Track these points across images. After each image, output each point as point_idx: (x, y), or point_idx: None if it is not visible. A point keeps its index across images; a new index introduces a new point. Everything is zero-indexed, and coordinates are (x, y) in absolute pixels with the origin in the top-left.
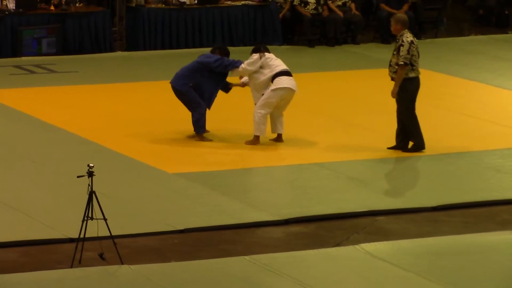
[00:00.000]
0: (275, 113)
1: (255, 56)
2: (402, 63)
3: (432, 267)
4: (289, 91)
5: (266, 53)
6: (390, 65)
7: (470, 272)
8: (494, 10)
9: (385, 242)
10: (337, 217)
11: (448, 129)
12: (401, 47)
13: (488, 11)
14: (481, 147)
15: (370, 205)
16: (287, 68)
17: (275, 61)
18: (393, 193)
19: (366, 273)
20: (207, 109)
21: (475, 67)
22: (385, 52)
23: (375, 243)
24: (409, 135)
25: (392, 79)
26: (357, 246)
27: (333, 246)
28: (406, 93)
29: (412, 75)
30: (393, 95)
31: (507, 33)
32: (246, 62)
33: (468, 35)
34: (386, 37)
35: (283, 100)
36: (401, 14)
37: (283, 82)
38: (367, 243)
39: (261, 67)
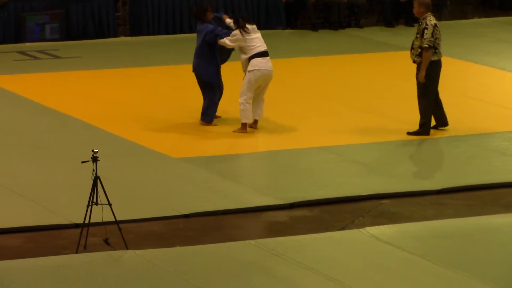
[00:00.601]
0: (256, 98)
1: (237, 33)
2: (426, 45)
3: (437, 250)
4: (265, 72)
5: (247, 29)
6: (412, 48)
7: (474, 254)
8: None
9: (390, 226)
10: (342, 201)
11: (452, 112)
12: (425, 30)
13: None
14: (485, 130)
15: (375, 189)
16: (265, 48)
17: (254, 41)
18: (397, 177)
19: (371, 256)
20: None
21: (479, 50)
22: (388, 35)
23: (380, 226)
24: (423, 116)
25: (414, 61)
26: (362, 230)
27: (338, 230)
28: (427, 76)
29: (434, 58)
30: (421, 78)
31: (510, 16)
32: (228, 38)
33: (471, 18)
34: (390, 20)
35: (261, 82)
36: None
37: (258, 64)
38: (372, 227)
39: (242, 46)
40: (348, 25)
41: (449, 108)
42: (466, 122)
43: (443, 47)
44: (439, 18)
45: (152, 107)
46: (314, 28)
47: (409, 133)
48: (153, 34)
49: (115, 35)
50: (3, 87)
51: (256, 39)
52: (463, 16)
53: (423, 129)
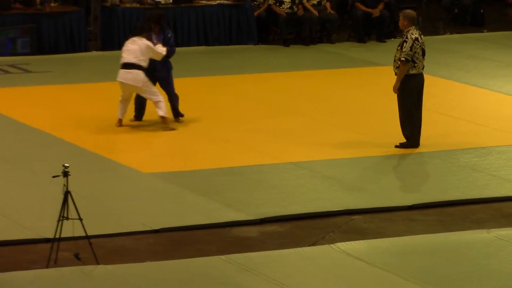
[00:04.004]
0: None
1: None
2: (403, 59)
3: (408, 266)
4: (121, 84)
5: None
6: (394, 60)
7: (445, 270)
8: (469, 9)
9: (360, 241)
10: (313, 216)
11: (423, 128)
12: (405, 43)
13: (463, 10)
14: (457, 146)
15: (346, 204)
16: (130, 59)
17: (125, 52)
18: (368, 192)
19: (341, 272)
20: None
21: (450, 66)
22: (360, 51)
23: (351, 242)
24: (403, 130)
25: (396, 74)
26: (333, 245)
27: (309, 245)
28: (404, 89)
29: (413, 72)
30: (394, 90)
31: (482, 32)
32: None
33: (443, 34)
34: (361, 36)
35: (123, 90)
36: (410, 11)
37: (118, 75)
38: (343, 242)
39: None
40: (320, 41)
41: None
42: (437, 138)
43: None
44: None
45: (124, 121)
46: (286, 43)
47: (397, 146)
48: None
49: (87, 49)
50: None
51: (125, 51)
52: (435, 32)
53: (411, 141)
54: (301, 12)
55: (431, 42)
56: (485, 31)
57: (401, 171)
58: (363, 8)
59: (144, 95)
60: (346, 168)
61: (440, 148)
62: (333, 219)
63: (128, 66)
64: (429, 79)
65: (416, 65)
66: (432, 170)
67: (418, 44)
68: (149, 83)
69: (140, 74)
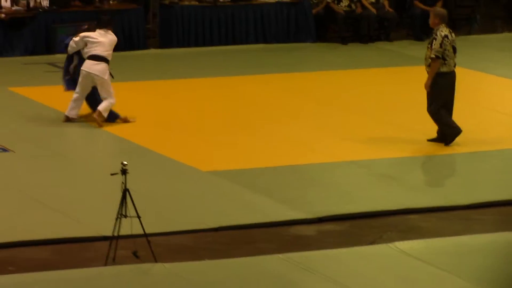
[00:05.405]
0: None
1: (80, 35)
2: (433, 56)
3: (466, 265)
4: (86, 74)
5: (91, 32)
6: (425, 59)
7: (503, 270)
8: None
9: (418, 241)
10: (370, 215)
11: (482, 127)
12: (434, 41)
13: None
14: None
15: (403, 203)
16: (101, 53)
17: (94, 44)
18: (425, 191)
19: (400, 271)
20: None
21: (509, 65)
22: (418, 49)
23: (409, 241)
24: (439, 127)
25: (428, 72)
26: (390, 245)
27: (367, 245)
28: (435, 87)
29: (444, 69)
30: (426, 87)
31: None
32: (73, 39)
33: (501, 32)
34: (419, 34)
35: (86, 82)
36: (440, 9)
37: (84, 65)
38: (400, 241)
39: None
40: (378, 39)
41: (479, 123)
42: (496, 137)
43: (473, 62)
44: (469, 32)
45: (183, 119)
46: (344, 41)
47: (436, 140)
48: (183, 46)
49: (145, 47)
50: (34, 98)
51: (95, 44)
52: (493, 30)
53: (446, 137)
54: (359, 10)
55: (489, 40)
56: None
57: (458, 169)
58: (421, 6)
59: (102, 89)
60: (402, 167)
61: (500, 147)
62: (390, 218)
63: (96, 58)
64: (487, 77)
65: (446, 62)
66: (489, 168)
67: (448, 41)
68: (109, 80)
69: (106, 67)
